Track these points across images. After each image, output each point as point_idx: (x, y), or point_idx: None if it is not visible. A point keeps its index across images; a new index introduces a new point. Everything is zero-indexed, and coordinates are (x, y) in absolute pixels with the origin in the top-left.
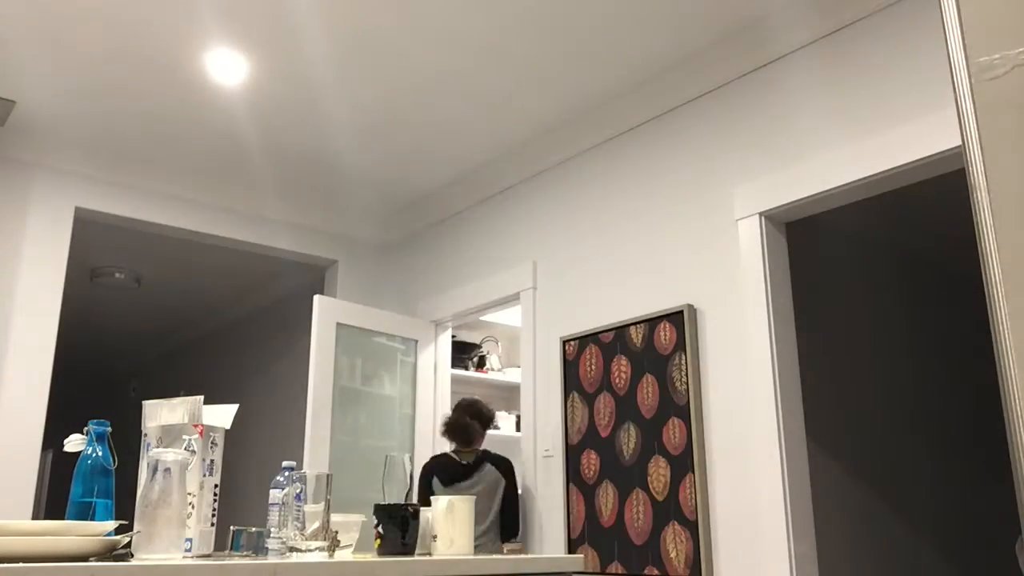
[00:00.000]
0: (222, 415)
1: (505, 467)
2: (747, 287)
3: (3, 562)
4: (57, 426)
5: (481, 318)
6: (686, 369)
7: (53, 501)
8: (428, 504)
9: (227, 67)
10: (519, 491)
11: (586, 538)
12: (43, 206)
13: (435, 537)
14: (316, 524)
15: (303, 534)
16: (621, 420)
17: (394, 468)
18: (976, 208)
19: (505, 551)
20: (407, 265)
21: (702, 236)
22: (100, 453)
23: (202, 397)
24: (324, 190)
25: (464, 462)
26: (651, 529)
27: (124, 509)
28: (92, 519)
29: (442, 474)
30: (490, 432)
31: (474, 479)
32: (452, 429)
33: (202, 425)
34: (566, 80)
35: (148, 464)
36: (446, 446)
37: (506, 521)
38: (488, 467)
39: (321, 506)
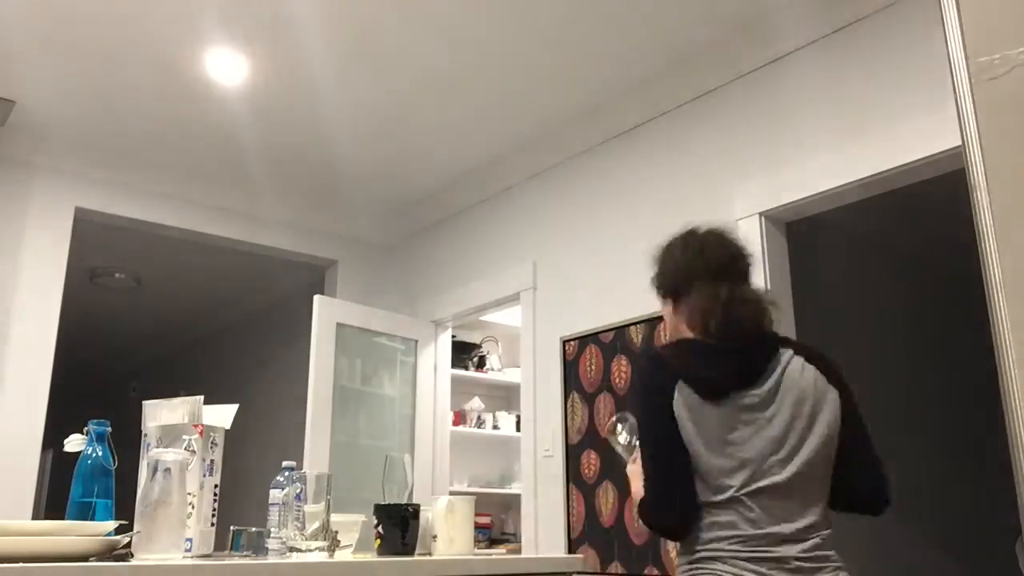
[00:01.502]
0: (222, 415)
1: (830, 365)
2: None
3: (3, 562)
4: (57, 426)
5: (481, 318)
6: None
7: (53, 501)
8: (675, 440)
9: (227, 67)
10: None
11: (586, 538)
12: (43, 206)
13: (435, 537)
14: (316, 524)
15: (303, 534)
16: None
17: (394, 468)
18: (976, 208)
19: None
20: (407, 265)
21: None
22: (100, 453)
23: (202, 397)
24: (324, 190)
25: (741, 353)
26: None
27: (124, 509)
28: (92, 519)
29: (703, 378)
30: (491, 432)
31: (773, 383)
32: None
33: (202, 425)
34: (566, 80)
35: (148, 464)
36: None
37: (855, 481)
38: (796, 361)
39: (321, 506)
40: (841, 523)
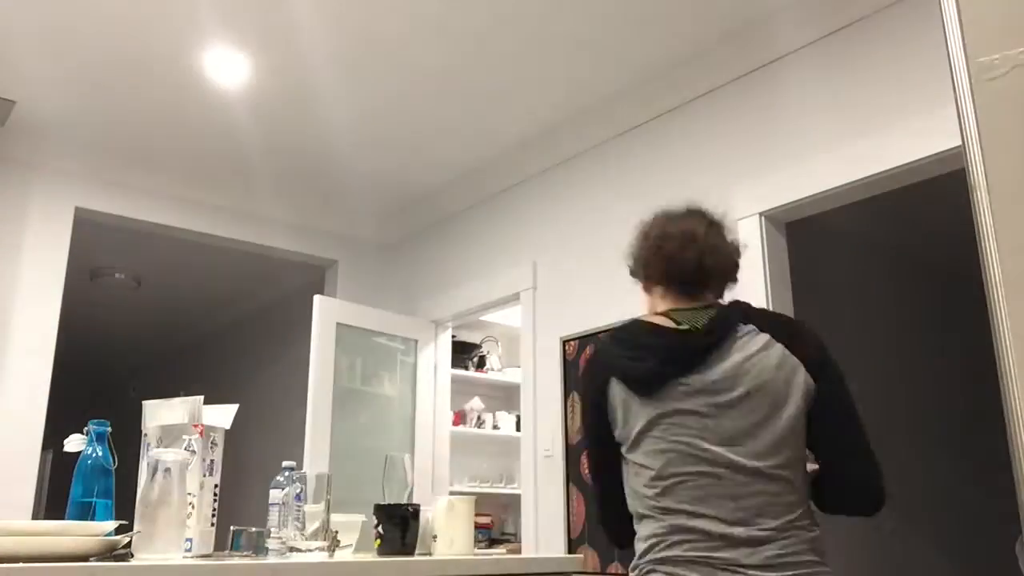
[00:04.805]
0: (222, 415)
1: (804, 338)
2: (747, 287)
3: (3, 562)
4: (57, 426)
5: (481, 318)
6: None
7: (53, 501)
8: (613, 450)
9: (227, 67)
10: (849, 397)
11: (586, 538)
12: (43, 206)
13: (435, 537)
14: (316, 524)
15: (303, 534)
16: None
17: (394, 468)
18: (976, 208)
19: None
20: (407, 265)
21: None
22: (100, 453)
23: (202, 397)
24: (324, 190)
25: (688, 327)
26: None
27: (124, 509)
28: (92, 519)
29: (636, 369)
30: (491, 432)
31: (721, 367)
32: (663, 243)
33: (202, 425)
34: (566, 80)
35: (148, 464)
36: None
37: (837, 472)
38: (752, 333)
39: (321, 506)
40: (840, 522)
